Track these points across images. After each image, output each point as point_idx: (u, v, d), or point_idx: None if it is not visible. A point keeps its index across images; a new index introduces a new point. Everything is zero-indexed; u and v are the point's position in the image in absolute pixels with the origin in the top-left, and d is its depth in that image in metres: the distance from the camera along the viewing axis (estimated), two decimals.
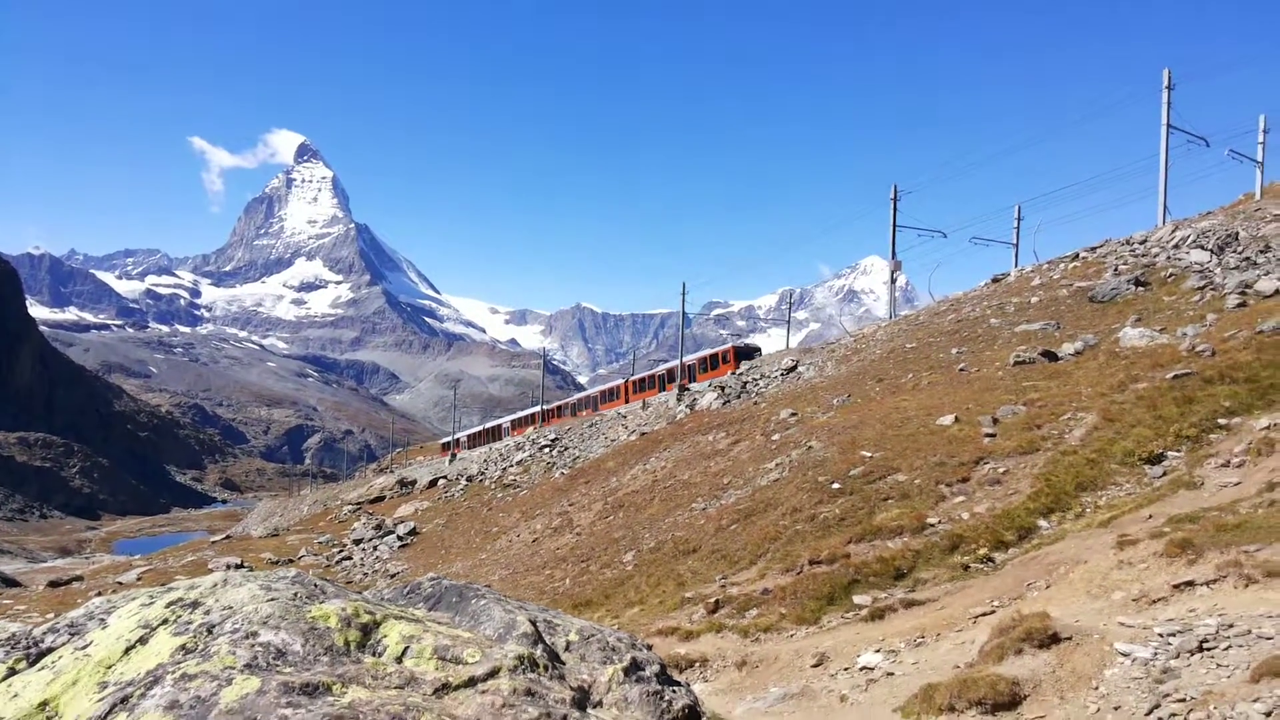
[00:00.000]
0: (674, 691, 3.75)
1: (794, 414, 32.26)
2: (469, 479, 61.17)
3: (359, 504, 73.07)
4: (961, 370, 28.69)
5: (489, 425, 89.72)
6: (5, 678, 4.03)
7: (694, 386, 57.29)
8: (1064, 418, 20.00)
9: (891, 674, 10.97)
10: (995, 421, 21.29)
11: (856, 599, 14.61)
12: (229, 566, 40.01)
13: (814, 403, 33.27)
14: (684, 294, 68.78)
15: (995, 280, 42.19)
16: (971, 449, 19.90)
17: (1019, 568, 13.49)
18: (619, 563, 25.78)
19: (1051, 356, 25.83)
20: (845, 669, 11.76)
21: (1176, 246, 31.95)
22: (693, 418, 43.90)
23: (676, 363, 64.39)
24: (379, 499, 73.02)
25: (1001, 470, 18.35)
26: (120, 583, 50.96)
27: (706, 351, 63.59)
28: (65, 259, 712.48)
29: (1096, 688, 8.13)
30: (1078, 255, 38.01)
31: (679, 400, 51.31)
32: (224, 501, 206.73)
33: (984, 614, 11.83)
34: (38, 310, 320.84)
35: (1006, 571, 13.68)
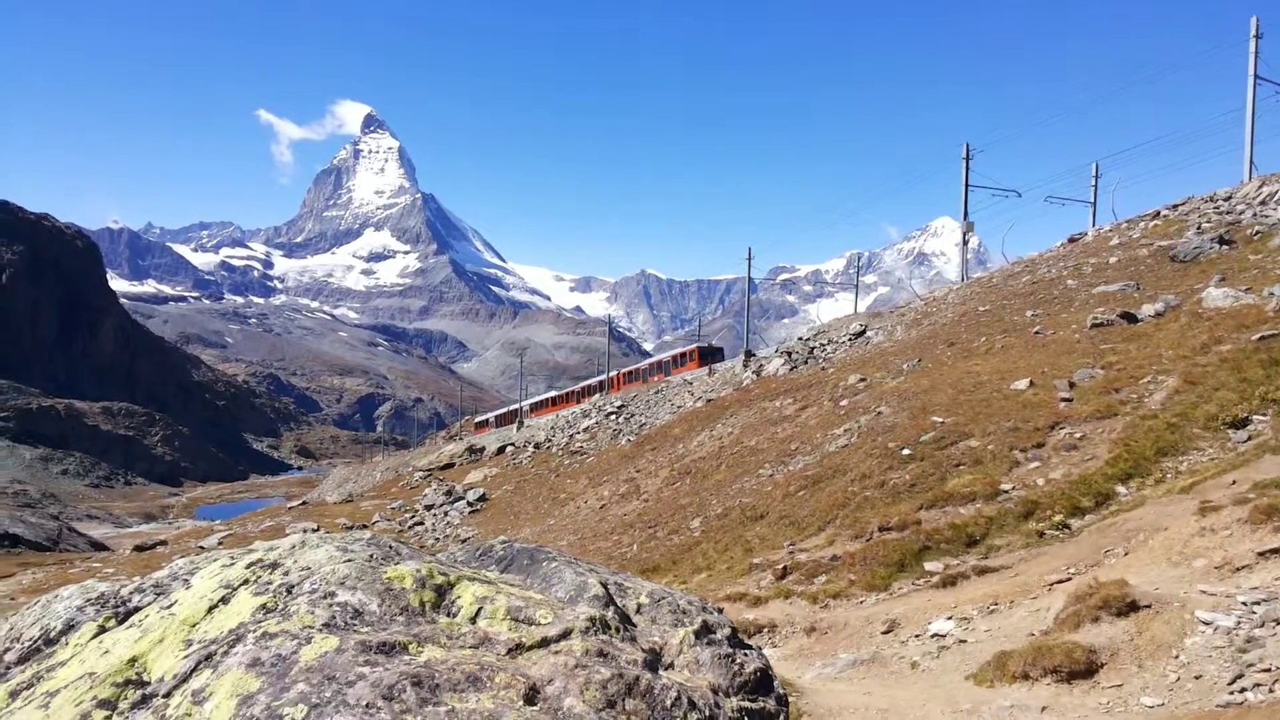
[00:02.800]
0: (745, 655, 3.74)
1: (863, 379, 31.92)
2: (536, 446, 61.82)
3: (429, 470, 74.37)
4: (1037, 333, 28.06)
5: (509, 409, 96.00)
6: (96, 635, 4.19)
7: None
8: (1144, 381, 19.46)
9: (964, 641, 10.86)
10: (1072, 385, 20.80)
11: (928, 566, 14.46)
12: (305, 531, 41.11)
13: (883, 368, 32.87)
14: (749, 259, 68.33)
15: (1072, 240, 41.07)
16: (1047, 414, 19.48)
17: (1096, 535, 13.21)
18: (686, 529, 25.87)
19: (1131, 318, 25.10)
20: (916, 636, 11.67)
21: (1263, 203, 30.72)
22: (759, 384, 43.71)
23: (659, 358, 75.10)
24: (449, 465, 74.23)
25: (1078, 435, 17.94)
26: (202, 547, 52.70)
27: (678, 350, 73.20)
28: (143, 233, 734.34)
29: (1177, 656, 7.95)
30: (1158, 214, 36.80)
31: (745, 366, 51.12)
32: (299, 468, 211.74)
33: (1059, 581, 11.62)
34: (118, 283, 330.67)
35: (1083, 538, 13.41)
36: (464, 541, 42.10)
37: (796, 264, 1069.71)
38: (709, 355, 68.34)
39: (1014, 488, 16.38)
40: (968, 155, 51.20)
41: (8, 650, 4.62)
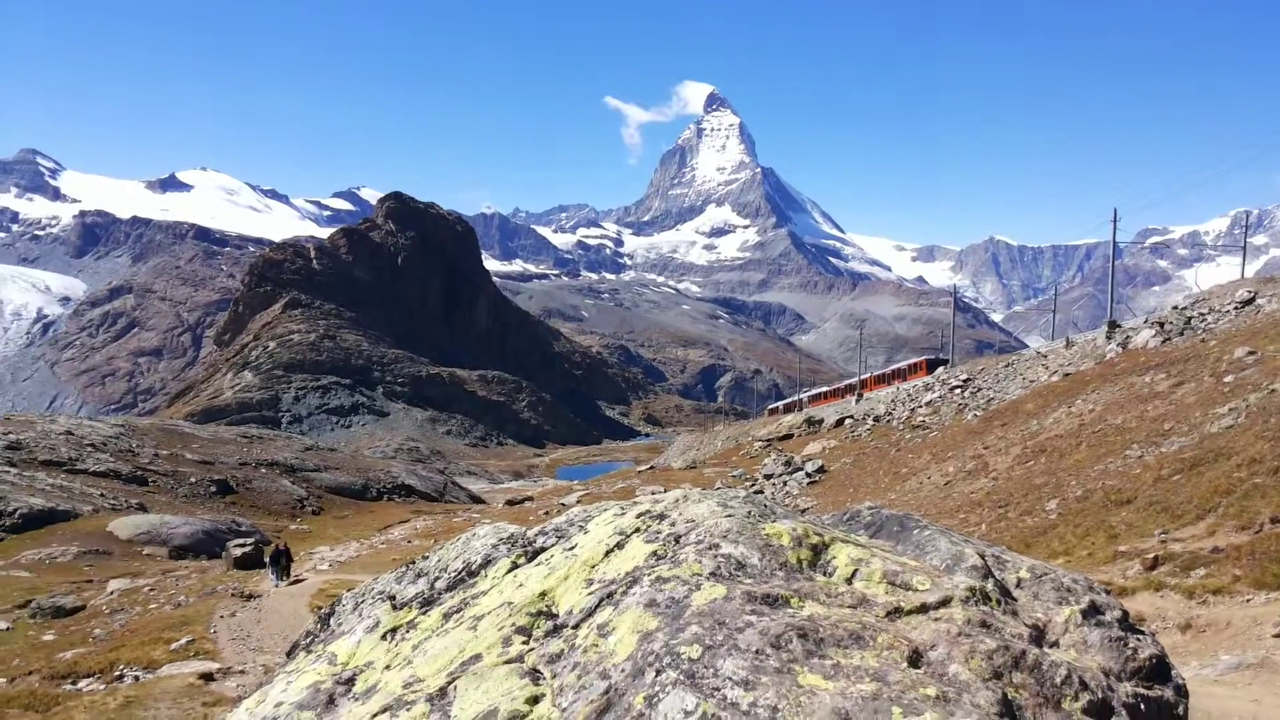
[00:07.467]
0: (1139, 640, 3.58)
1: (1252, 352, 28.49)
2: (876, 419, 60.86)
3: (769, 440, 75.51)
4: None
5: (790, 400, 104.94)
6: (510, 570, 4.84)
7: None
8: None
9: None
10: None
11: None
12: (653, 493, 43.37)
13: (1278, 340, 29.12)
14: (1114, 221, 62.62)
15: None
16: None
17: None
18: (1040, 510, 24.50)
19: None
20: None
21: None
22: (1125, 357, 40.24)
23: (902, 364, 77.32)
24: (787, 436, 74.91)
25: None
26: (563, 504, 57.21)
27: (909, 360, 76.59)
28: (511, 217, 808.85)
29: None
30: None
31: (1108, 338, 47.19)
32: (647, 435, 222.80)
33: None
34: (490, 264, 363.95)
35: None
36: (803, 512, 42.46)
37: (1169, 225, 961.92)
38: (936, 365, 70.87)
39: None
40: None
41: (438, 579, 5.46)
